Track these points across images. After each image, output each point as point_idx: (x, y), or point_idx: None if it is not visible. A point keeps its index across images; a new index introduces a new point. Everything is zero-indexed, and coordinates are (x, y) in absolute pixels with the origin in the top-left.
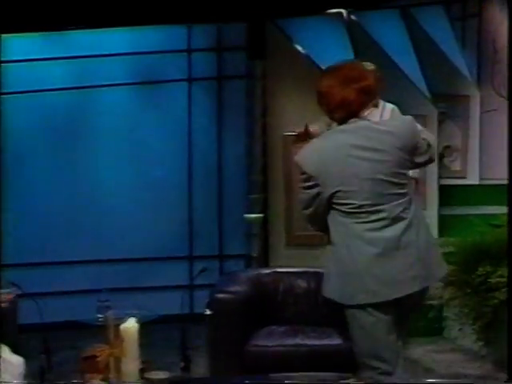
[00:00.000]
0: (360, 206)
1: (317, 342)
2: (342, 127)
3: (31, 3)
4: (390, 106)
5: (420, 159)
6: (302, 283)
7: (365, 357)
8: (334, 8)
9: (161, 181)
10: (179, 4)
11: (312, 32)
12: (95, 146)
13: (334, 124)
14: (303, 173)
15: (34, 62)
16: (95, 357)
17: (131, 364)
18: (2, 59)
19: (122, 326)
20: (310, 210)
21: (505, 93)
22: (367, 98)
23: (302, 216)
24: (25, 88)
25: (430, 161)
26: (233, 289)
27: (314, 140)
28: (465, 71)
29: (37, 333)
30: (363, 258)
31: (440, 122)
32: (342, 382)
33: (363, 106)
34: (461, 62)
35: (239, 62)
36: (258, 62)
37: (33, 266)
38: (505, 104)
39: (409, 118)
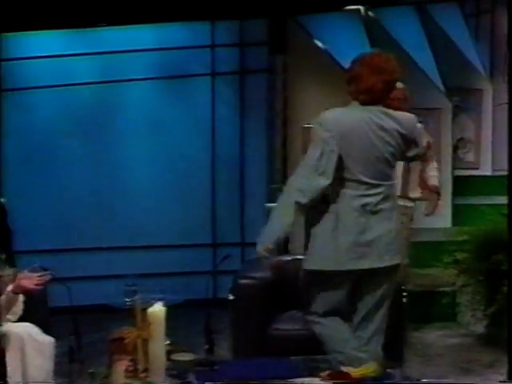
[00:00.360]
0: (362, 179)
1: None
2: (362, 107)
3: (58, 2)
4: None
5: (410, 153)
6: None
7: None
8: (352, 5)
9: (185, 171)
10: (203, 1)
11: (331, 28)
12: (122, 137)
13: None
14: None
15: (63, 58)
16: (123, 339)
17: (158, 346)
18: (30, 55)
19: (149, 310)
20: (319, 169)
21: None
22: (391, 89)
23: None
24: (53, 82)
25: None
26: (255, 275)
27: (337, 108)
28: (478, 66)
29: (67, 315)
30: (351, 229)
31: (454, 115)
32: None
33: (386, 95)
34: (474, 56)
35: (261, 56)
36: (279, 56)
37: (63, 251)
38: None
39: (414, 116)
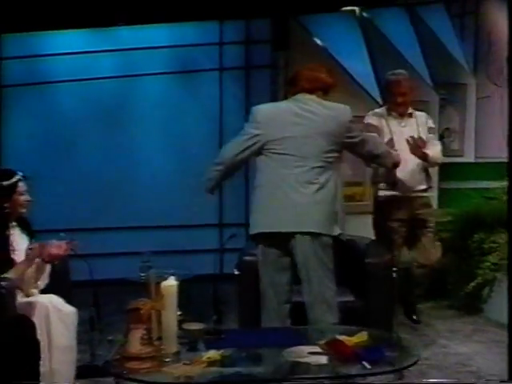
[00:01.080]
0: (289, 153)
1: None
2: (293, 98)
3: (79, 2)
4: (418, 112)
5: (347, 139)
6: None
7: None
8: (348, 6)
9: (195, 157)
10: (212, 2)
11: (329, 27)
12: (137, 125)
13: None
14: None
15: (85, 55)
16: (139, 309)
17: (170, 316)
18: (56, 52)
19: (162, 284)
20: (235, 155)
21: (497, 81)
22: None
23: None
24: (77, 77)
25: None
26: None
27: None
28: (463, 62)
29: (87, 288)
30: (275, 195)
31: (441, 107)
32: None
33: (309, 85)
34: (459, 53)
35: (264, 53)
36: (281, 53)
37: (83, 230)
38: (497, 91)
39: (347, 107)
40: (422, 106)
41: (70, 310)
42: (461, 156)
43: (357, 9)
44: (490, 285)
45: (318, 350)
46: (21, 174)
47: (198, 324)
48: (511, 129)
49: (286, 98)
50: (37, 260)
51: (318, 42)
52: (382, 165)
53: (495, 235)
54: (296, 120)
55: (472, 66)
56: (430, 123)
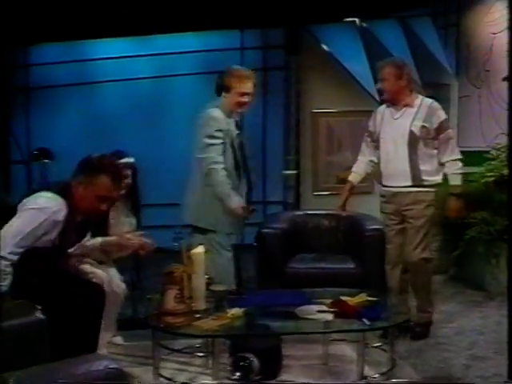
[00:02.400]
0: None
1: (336, 266)
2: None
3: (122, 15)
4: (429, 100)
5: None
6: (325, 222)
7: None
8: (350, 18)
9: None
10: (234, 13)
11: (334, 35)
12: (170, 118)
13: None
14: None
15: (126, 59)
16: (173, 273)
17: (199, 279)
18: (101, 57)
19: (193, 252)
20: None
21: (476, 83)
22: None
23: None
24: (118, 77)
25: None
26: (274, 225)
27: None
28: (446, 66)
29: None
30: None
31: None
32: None
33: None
34: (443, 59)
35: (279, 57)
36: (294, 57)
37: None
38: (475, 91)
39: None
40: None
41: (113, 272)
42: None
43: (357, 20)
44: (469, 255)
45: (324, 308)
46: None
47: (223, 286)
48: (511, 123)
49: (297, 94)
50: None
51: (325, 47)
52: None
53: (475, 213)
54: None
55: (454, 69)
56: (440, 115)
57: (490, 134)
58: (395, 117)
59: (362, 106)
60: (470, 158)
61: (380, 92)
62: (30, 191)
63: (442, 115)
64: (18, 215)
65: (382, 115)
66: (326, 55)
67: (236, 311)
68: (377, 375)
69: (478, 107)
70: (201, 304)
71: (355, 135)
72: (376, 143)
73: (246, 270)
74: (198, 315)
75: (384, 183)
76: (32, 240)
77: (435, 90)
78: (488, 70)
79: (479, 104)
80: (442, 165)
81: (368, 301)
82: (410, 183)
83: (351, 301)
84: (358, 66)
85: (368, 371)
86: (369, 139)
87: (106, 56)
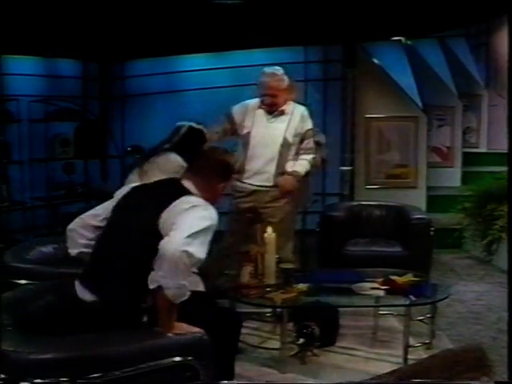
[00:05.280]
0: None
1: (386, 249)
2: None
3: (203, 34)
4: (301, 108)
5: None
6: (376, 211)
7: None
8: (397, 36)
9: None
10: (299, 32)
11: (384, 51)
12: None
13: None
14: None
15: (207, 71)
16: (249, 252)
17: (271, 258)
18: (187, 69)
19: (265, 234)
20: None
21: (502, 94)
22: None
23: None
24: (200, 87)
25: None
26: (334, 213)
27: None
28: (478, 79)
29: None
30: None
31: (463, 111)
32: None
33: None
34: (476, 73)
35: (337, 69)
36: (350, 69)
37: None
38: (502, 101)
39: None
40: (450, 110)
41: None
42: (477, 147)
43: (403, 38)
44: (497, 242)
45: (377, 286)
46: None
47: (290, 264)
48: (510, 124)
49: (352, 102)
50: None
51: (376, 61)
52: None
53: (502, 206)
54: None
55: (484, 82)
56: (307, 125)
57: None
58: (271, 121)
59: (407, 112)
60: (498, 158)
61: (262, 96)
62: None
63: (310, 124)
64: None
65: (255, 114)
66: (377, 68)
67: (301, 286)
68: (419, 344)
69: (505, 115)
70: (271, 279)
71: (401, 137)
72: (244, 139)
73: (309, 251)
74: (268, 289)
75: (244, 180)
76: None
77: (468, 99)
78: None
79: (504, 112)
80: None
81: (413, 280)
82: (271, 183)
83: (399, 280)
84: (404, 77)
85: (411, 341)
86: (227, 122)
87: (190, 69)
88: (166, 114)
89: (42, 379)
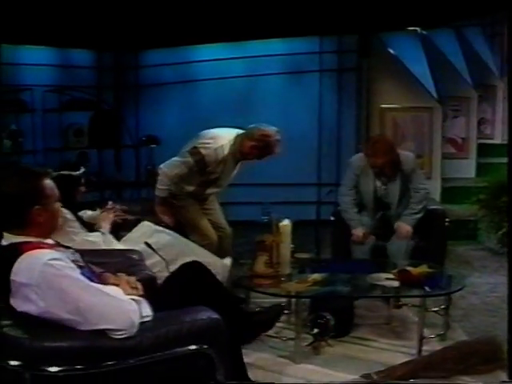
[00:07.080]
0: None
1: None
2: None
3: (218, 23)
4: None
5: None
6: None
7: None
8: (412, 26)
9: (300, 135)
10: (314, 22)
11: (399, 41)
12: (258, 113)
13: None
14: None
15: (222, 61)
16: (264, 241)
17: (286, 247)
18: (202, 59)
19: (280, 224)
20: None
21: None
22: None
23: None
24: (215, 76)
25: None
26: None
27: None
28: (494, 70)
29: None
30: None
31: (478, 102)
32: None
33: None
34: (491, 63)
35: (352, 59)
36: (365, 60)
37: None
38: None
39: None
40: (465, 101)
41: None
42: (492, 139)
43: (418, 28)
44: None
45: (391, 276)
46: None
47: (305, 254)
48: (511, 119)
49: (367, 92)
50: None
51: (391, 51)
52: None
53: None
54: None
55: (499, 72)
56: None
57: None
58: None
59: (422, 102)
60: None
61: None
62: None
63: None
64: None
65: (226, 159)
66: (393, 58)
67: (316, 276)
68: (433, 336)
69: (507, 99)
70: (286, 269)
71: (416, 127)
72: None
73: (323, 241)
74: (283, 278)
75: None
76: None
77: (484, 90)
78: None
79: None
80: None
81: (428, 271)
82: None
83: (414, 270)
84: (419, 67)
85: (426, 332)
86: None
87: (204, 59)
88: (180, 104)
89: (57, 366)
